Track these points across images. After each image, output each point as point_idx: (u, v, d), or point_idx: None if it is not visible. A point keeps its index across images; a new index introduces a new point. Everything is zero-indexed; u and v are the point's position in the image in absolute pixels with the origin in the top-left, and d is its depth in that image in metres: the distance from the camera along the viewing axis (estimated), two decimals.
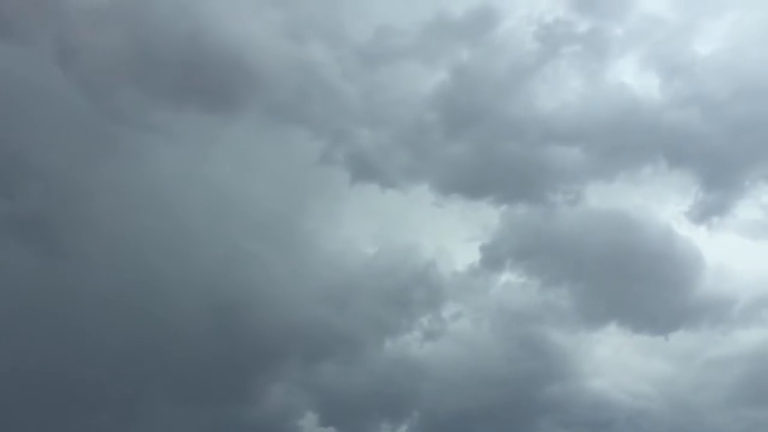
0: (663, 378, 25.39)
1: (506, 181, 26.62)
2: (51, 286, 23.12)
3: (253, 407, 24.59)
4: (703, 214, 26.10)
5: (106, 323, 22.50)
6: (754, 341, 25.24)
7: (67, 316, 22.92)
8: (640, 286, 25.77)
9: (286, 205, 26.24)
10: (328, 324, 24.97)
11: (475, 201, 26.53)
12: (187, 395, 23.75)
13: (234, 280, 24.44)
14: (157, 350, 22.86)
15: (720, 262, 25.99)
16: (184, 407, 23.67)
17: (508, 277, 26.34)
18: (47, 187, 23.84)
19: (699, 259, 25.88)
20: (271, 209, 25.91)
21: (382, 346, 25.71)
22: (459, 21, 26.43)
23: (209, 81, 25.52)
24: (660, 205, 26.67)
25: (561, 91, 26.60)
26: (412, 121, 26.62)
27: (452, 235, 26.54)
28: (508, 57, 26.50)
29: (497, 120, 26.47)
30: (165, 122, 25.40)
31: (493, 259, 26.22)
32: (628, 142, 26.27)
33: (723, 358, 25.26)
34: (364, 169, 26.37)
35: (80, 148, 24.53)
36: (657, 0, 26.40)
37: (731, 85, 25.90)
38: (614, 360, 25.89)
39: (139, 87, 25.31)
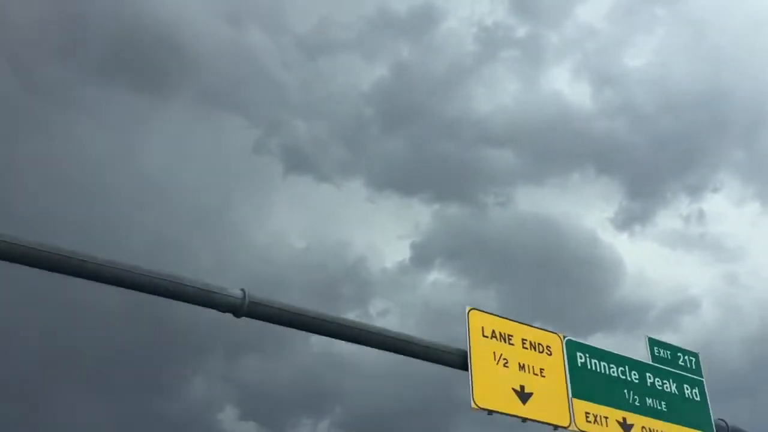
0: None
1: (439, 181, 26.86)
2: None
3: (172, 400, 24.08)
4: (626, 222, 26.93)
5: (15, 309, 21.49)
6: None
7: None
8: (564, 289, 26.43)
9: (215, 194, 25.67)
10: None
11: (407, 198, 26.71)
12: (102, 386, 23.02)
13: (158, 267, 23.74)
14: (72, 339, 22.02)
15: (639, 268, 26.87)
16: (99, 398, 22.95)
17: (436, 275, 26.56)
18: None
19: (620, 265, 26.68)
20: (199, 197, 25.32)
21: (308, 341, 25.52)
22: (401, 18, 26.45)
23: (141, 60, 24.66)
24: (586, 211, 27.42)
25: (497, 94, 26.96)
26: (349, 115, 26.54)
27: (383, 232, 26.62)
28: (447, 57, 26.69)
29: (433, 119, 26.66)
30: (92, 100, 24.44)
31: (422, 257, 26.42)
32: (559, 148, 26.87)
33: None
34: (298, 161, 26.14)
35: None
36: (592, 11, 26.96)
37: (658, 98, 26.79)
38: None
39: (65, 62, 24.26)
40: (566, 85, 27.01)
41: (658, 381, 9.73)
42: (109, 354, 22.30)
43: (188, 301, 7.59)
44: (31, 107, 23.73)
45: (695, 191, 26.93)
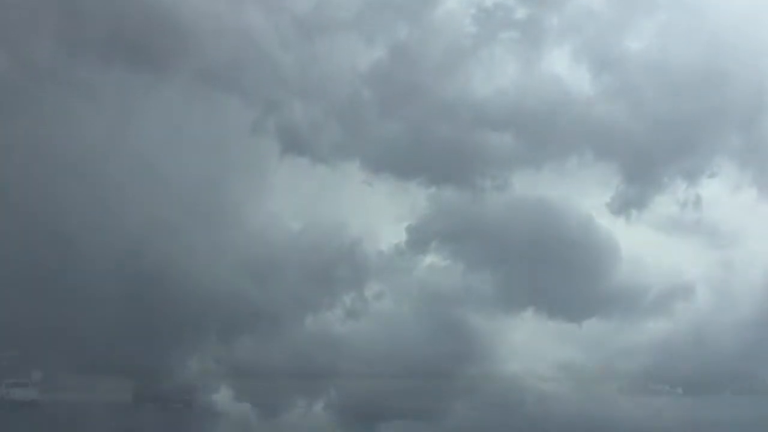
0: (573, 364, 26.25)
1: (436, 163, 26.67)
2: None
3: (166, 380, 24.15)
4: (623, 207, 26.78)
5: (11, 290, 21.50)
6: (660, 331, 26.35)
7: None
8: (559, 273, 26.38)
9: (211, 175, 25.58)
10: (249, 298, 24.61)
11: (404, 181, 26.53)
12: (97, 366, 23.08)
13: (152, 249, 23.74)
14: (68, 319, 22.05)
15: (635, 254, 26.86)
16: (93, 379, 23.03)
17: (432, 259, 26.53)
18: None
19: (616, 250, 26.68)
20: (195, 178, 25.22)
21: (303, 323, 25.61)
22: None
23: (138, 39, 24.47)
24: (583, 195, 27.29)
25: (496, 77, 26.72)
26: (346, 96, 26.28)
27: (380, 214, 26.51)
28: (446, 38, 26.44)
29: (431, 101, 26.42)
30: (88, 79, 24.27)
31: (418, 240, 26.34)
32: (557, 132, 26.72)
33: (630, 347, 26.27)
34: (295, 142, 25.93)
35: None
36: None
37: (657, 82, 26.59)
38: (529, 344, 26.58)
39: (61, 40, 24.07)
40: (565, 69, 26.79)
41: None
42: (103, 336, 22.35)
43: None
44: (24, 86, 23.62)
45: (692, 176, 26.83)
